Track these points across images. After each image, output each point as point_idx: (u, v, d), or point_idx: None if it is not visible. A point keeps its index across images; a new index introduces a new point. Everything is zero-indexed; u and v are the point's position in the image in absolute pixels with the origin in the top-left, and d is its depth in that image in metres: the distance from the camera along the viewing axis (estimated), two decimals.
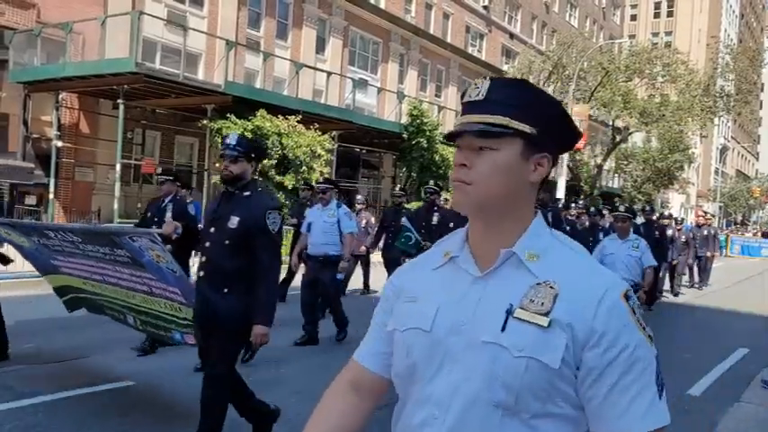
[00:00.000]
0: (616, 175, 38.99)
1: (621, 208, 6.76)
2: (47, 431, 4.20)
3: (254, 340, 3.59)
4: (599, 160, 33.32)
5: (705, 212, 25.30)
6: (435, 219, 8.46)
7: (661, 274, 12.37)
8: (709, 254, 16.32)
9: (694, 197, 58.44)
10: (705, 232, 16.44)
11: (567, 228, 11.72)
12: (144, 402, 4.93)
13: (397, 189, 10.81)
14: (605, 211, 12.64)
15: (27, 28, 16.30)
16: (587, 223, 11.22)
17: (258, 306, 3.57)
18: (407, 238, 8.33)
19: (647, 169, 35.24)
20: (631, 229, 6.73)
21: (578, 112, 27.43)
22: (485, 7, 34.79)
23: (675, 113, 29.20)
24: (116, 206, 15.34)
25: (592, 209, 12.30)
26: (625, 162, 35.86)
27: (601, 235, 9.85)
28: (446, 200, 9.83)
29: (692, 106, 28.92)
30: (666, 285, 13.94)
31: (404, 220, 9.08)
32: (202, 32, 19.53)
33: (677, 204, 51.77)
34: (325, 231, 7.11)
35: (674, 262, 13.77)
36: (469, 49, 33.95)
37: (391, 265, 9.41)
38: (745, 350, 8.38)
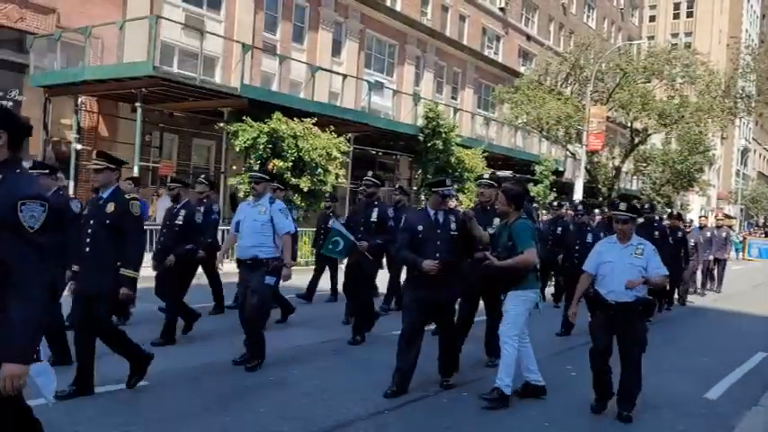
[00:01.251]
0: (635, 177, 38.62)
1: (622, 206, 5.33)
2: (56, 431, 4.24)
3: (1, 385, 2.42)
4: (617, 162, 32.98)
5: (726, 215, 24.84)
6: (375, 215, 7.51)
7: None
8: (711, 257, 15.37)
9: (715, 199, 57.74)
10: (708, 234, 15.52)
11: (559, 230, 10.91)
12: (147, 403, 4.96)
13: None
14: (598, 212, 11.18)
15: (47, 33, 16.55)
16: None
17: (8, 334, 2.42)
18: (335, 243, 7.37)
19: (666, 171, 34.83)
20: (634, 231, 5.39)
21: (596, 114, 27.23)
22: (501, 9, 34.68)
23: (695, 115, 28.81)
24: None
25: (579, 207, 10.47)
26: (644, 164, 35.46)
27: (589, 236, 8.33)
28: (459, 201, 9.46)
29: (711, 107, 28.53)
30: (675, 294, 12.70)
31: (332, 222, 8.33)
32: (219, 36, 19.66)
33: (697, 207, 51.16)
34: (256, 231, 6.02)
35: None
36: (486, 52, 33.84)
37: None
38: (763, 354, 8.26)
